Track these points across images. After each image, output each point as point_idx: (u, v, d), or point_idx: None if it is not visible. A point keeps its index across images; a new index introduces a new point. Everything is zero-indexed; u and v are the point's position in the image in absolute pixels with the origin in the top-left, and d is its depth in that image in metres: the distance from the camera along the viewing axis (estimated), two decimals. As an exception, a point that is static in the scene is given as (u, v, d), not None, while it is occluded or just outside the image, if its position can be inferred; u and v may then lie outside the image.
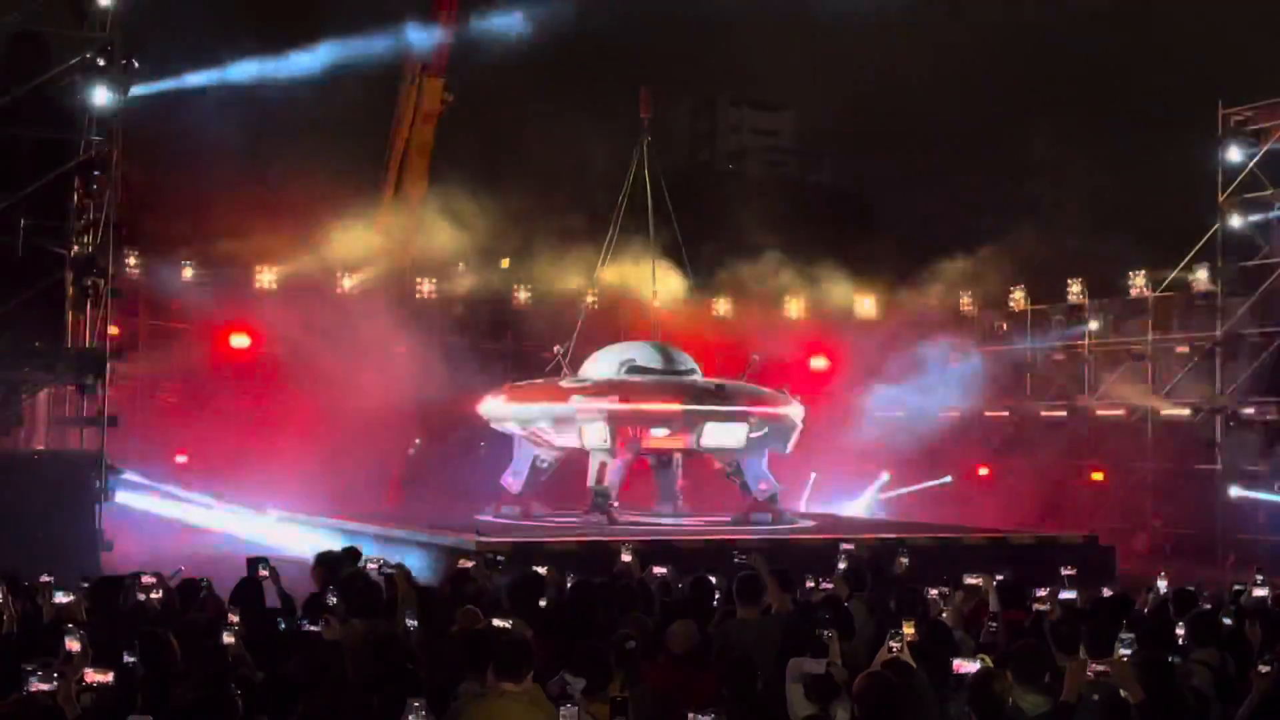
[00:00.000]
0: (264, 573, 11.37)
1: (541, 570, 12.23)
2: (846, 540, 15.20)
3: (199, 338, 33.78)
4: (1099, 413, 34.42)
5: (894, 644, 8.11)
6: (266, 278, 33.94)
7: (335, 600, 10.27)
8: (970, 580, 11.09)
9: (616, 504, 26.48)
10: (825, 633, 8.65)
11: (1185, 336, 32.20)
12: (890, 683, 7.34)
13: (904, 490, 33.46)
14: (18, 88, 22.83)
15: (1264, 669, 7.96)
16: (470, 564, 12.40)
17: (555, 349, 29.36)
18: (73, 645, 7.29)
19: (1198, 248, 31.34)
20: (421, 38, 36.72)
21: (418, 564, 20.05)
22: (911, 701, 7.65)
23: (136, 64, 23.87)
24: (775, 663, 8.33)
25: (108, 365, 23.51)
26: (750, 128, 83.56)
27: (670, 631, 9.08)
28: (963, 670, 7.78)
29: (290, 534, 26.67)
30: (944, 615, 10.88)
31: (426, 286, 36.72)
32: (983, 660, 8.12)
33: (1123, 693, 7.57)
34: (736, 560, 11.61)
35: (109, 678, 7.04)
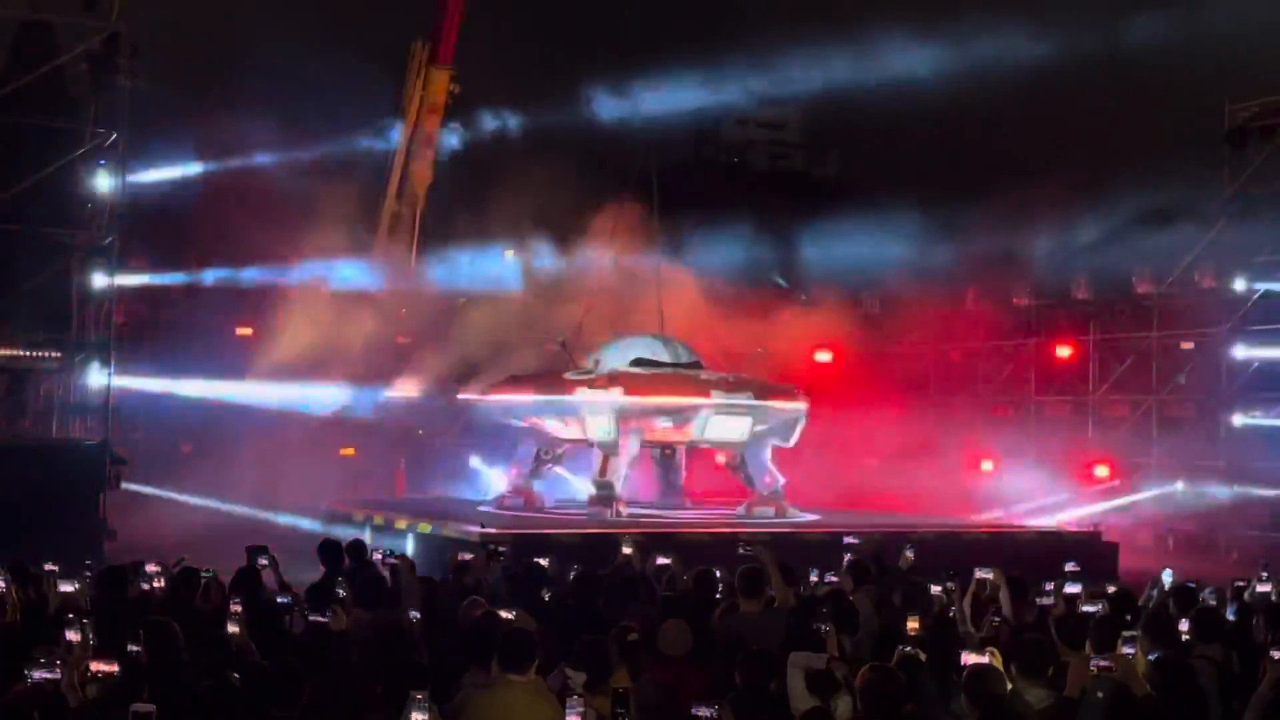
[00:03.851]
0: (264, 562, 11.36)
1: (544, 562, 12.24)
2: (851, 534, 15.20)
3: (204, 327, 33.78)
4: (1103, 409, 34.40)
5: (905, 649, 8.15)
6: (269, 270, 33.92)
7: (344, 591, 10.29)
8: (981, 574, 11.09)
9: (620, 497, 26.48)
10: (823, 627, 8.65)
11: (1190, 333, 32.15)
12: (893, 675, 7.35)
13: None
14: (25, 76, 22.84)
15: (1277, 655, 7.96)
16: (470, 556, 12.40)
17: (559, 340, 29.36)
18: (73, 636, 7.29)
19: (1204, 244, 31.26)
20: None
21: (420, 555, 20.09)
22: (914, 695, 7.66)
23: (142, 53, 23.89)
24: (778, 656, 8.33)
25: (112, 354, 23.54)
26: (755, 121, 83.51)
27: (661, 633, 9.04)
28: (972, 663, 7.78)
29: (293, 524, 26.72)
30: (952, 611, 10.88)
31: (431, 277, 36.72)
32: (991, 654, 8.11)
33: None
34: (741, 551, 11.59)
35: (114, 668, 7.04)
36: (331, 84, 34.80)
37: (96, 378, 23.44)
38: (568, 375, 27.50)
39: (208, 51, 31.98)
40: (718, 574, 11.88)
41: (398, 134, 37.77)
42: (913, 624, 9.26)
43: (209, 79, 31.53)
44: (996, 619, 10.68)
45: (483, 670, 8.09)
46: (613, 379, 26.65)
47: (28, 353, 23.76)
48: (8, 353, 23.54)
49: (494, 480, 30.35)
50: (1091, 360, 34.54)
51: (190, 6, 32.40)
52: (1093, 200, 36.56)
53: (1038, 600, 11.15)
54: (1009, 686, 7.85)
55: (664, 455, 29.50)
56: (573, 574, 12.00)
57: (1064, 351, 34.81)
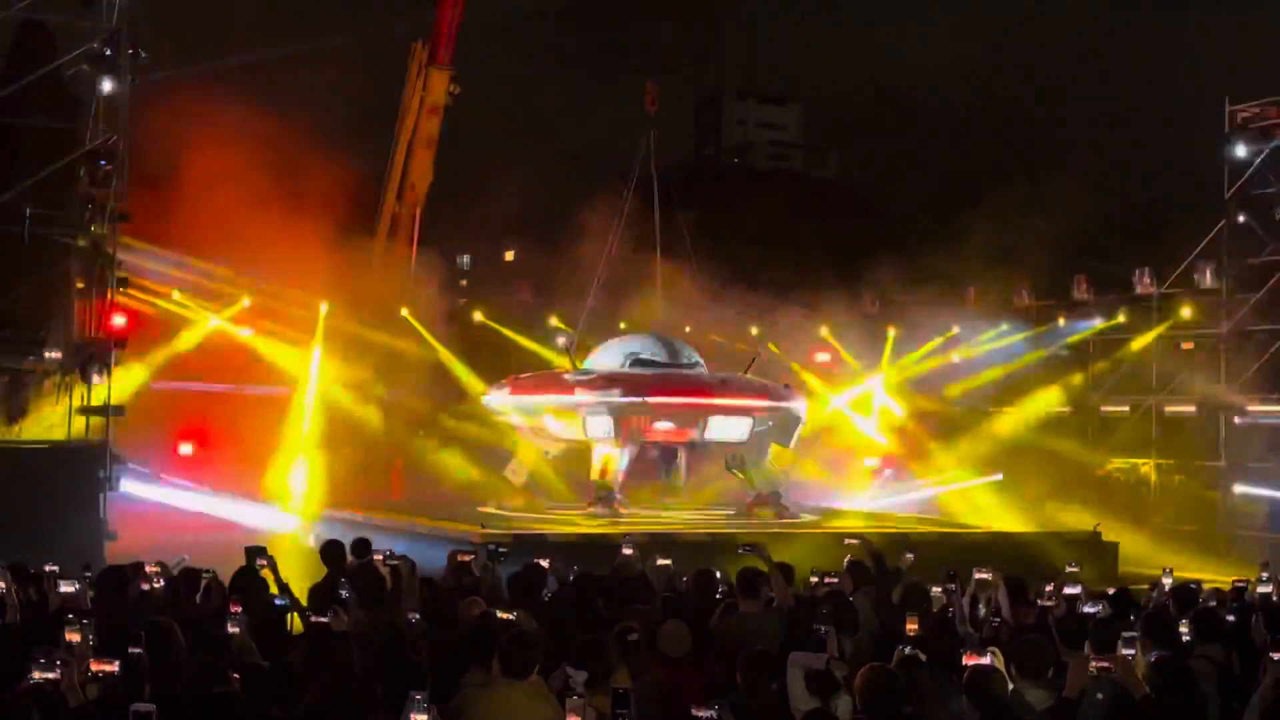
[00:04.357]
0: (262, 563, 11.37)
1: (544, 562, 12.23)
2: (851, 535, 15.20)
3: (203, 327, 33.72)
4: (1103, 409, 34.41)
5: (906, 649, 8.15)
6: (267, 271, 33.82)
7: (346, 592, 10.30)
8: (980, 574, 11.10)
9: (619, 497, 26.50)
10: (823, 628, 8.66)
11: (1190, 333, 32.15)
12: (892, 675, 7.35)
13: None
14: (24, 77, 22.82)
15: (1277, 656, 7.96)
16: (469, 557, 12.39)
17: (559, 341, 29.38)
18: (73, 636, 7.29)
19: (1203, 244, 31.27)
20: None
21: (420, 555, 20.05)
22: (914, 695, 7.66)
23: (143, 54, 23.85)
24: (778, 656, 8.33)
25: (112, 355, 23.52)
26: (756, 121, 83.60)
27: (661, 634, 9.05)
28: (973, 663, 7.79)
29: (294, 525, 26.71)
30: (951, 611, 10.89)
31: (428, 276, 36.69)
32: (993, 654, 8.11)
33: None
34: (740, 550, 11.61)
35: (114, 668, 7.05)
36: (332, 84, 34.78)
37: (97, 379, 23.41)
38: (567, 376, 27.52)
39: (208, 52, 31.93)
40: (717, 574, 11.88)
41: (398, 136, 37.75)
42: (912, 625, 9.26)
43: (209, 79, 31.49)
44: (996, 619, 10.68)
45: (483, 670, 8.10)
46: (612, 379, 26.67)
47: (28, 353, 23.74)
48: (8, 353, 23.52)
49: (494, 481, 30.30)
50: (1092, 360, 34.55)
51: (191, 7, 32.38)
52: (1093, 200, 36.60)
53: (1038, 601, 11.16)
54: (1010, 687, 7.85)
55: (664, 456, 29.51)
56: (572, 574, 12.01)
57: (1065, 351, 34.85)
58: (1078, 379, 34.93)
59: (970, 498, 32.39)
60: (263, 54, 33.02)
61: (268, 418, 31.78)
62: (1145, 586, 13.16)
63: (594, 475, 26.67)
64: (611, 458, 26.32)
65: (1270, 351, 30.12)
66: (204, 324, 31.87)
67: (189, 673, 7.79)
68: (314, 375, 32.36)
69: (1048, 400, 35.46)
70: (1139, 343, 33.20)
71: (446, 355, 34.37)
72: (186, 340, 31.75)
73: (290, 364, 32.70)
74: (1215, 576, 17.39)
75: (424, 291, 36.60)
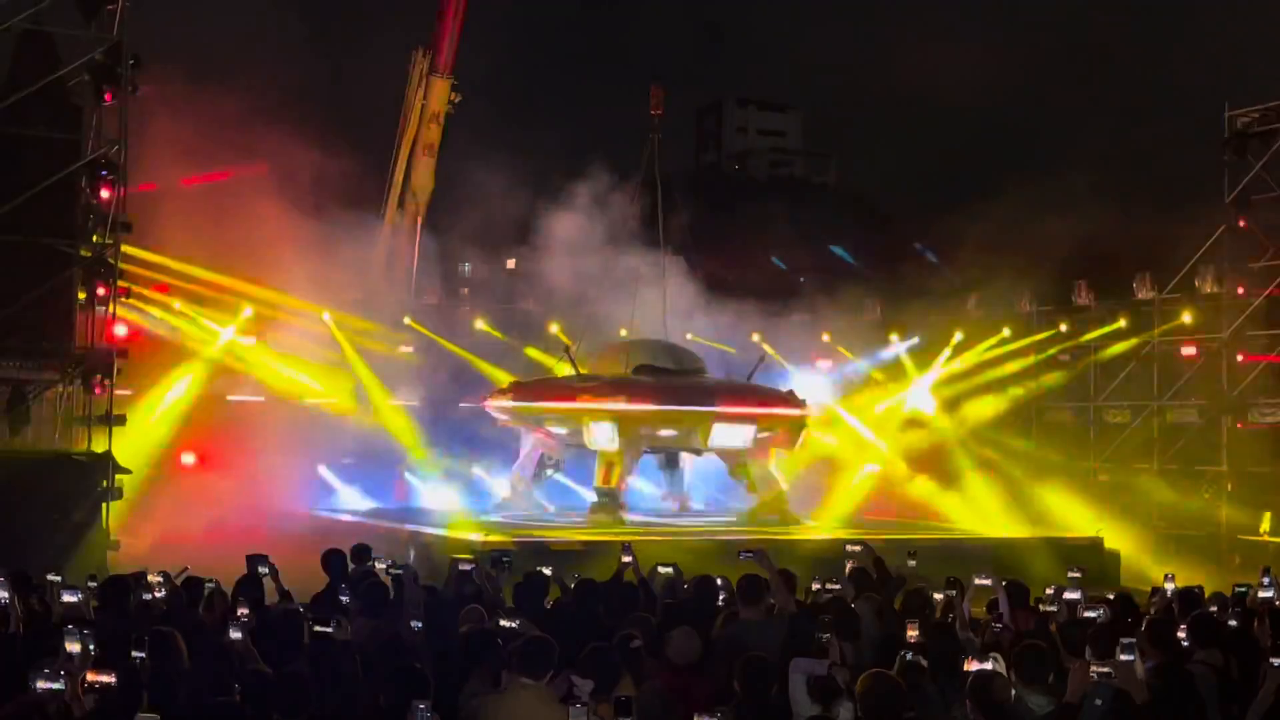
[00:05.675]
0: (264, 571, 11.38)
1: (546, 570, 12.25)
2: (853, 541, 15.21)
3: (206, 335, 33.75)
4: (1105, 415, 34.37)
5: (907, 655, 8.16)
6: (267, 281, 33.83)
7: (348, 599, 10.31)
8: (980, 581, 11.12)
9: (622, 503, 26.51)
10: (825, 635, 8.66)
11: (1192, 338, 32.13)
12: (892, 681, 7.36)
13: None
14: (25, 87, 22.86)
15: (1276, 662, 7.97)
16: (470, 566, 12.40)
17: (563, 348, 29.42)
18: (73, 646, 7.31)
19: (1204, 249, 31.26)
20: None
21: (421, 563, 20.11)
22: (915, 701, 7.67)
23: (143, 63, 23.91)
24: (779, 663, 8.34)
25: (115, 364, 23.55)
26: (756, 128, 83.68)
27: (669, 642, 9.05)
28: (975, 669, 7.81)
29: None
30: (952, 617, 10.90)
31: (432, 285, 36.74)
32: (995, 660, 8.12)
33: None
34: (742, 557, 11.62)
35: (111, 679, 7.06)
36: (333, 91, 34.78)
37: (99, 389, 23.45)
38: (571, 382, 27.54)
39: (209, 61, 31.93)
40: (719, 581, 11.89)
41: (399, 143, 37.79)
42: (913, 631, 9.27)
43: (210, 89, 31.51)
44: (998, 625, 10.69)
45: (488, 678, 8.13)
46: (616, 386, 26.69)
47: (30, 364, 23.77)
48: (10, 364, 23.56)
49: (496, 488, 30.37)
50: (1092, 365, 34.52)
51: (191, 16, 32.38)
52: (1093, 204, 36.58)
53: (1040, 606, 11.17)
54: (1012, 693, 7.86)
55: (667, 462, 29.53)
56: (574, 582, 12.02)
57: (1063, 358, 34.83)
58: (1079, 385, 34.89)
59: (972, 504, 32.35)
60: (263, 61, 32.98)
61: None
62: (1147, 591, 13.14)
63: (597, 482, 26.69)
64: (615, 464, 26.34)
65: (1271, 357, 30.11)
66: (216, 337, 31.90)
67: (191, 682, 7.81)
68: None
69: (1048, 406, 35.44)
70: (1139, 347, 33.18)
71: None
72: (210, 353, 31.83)
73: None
74: (1218, 586, 17.38)
75: (426, 298, 36.64)
